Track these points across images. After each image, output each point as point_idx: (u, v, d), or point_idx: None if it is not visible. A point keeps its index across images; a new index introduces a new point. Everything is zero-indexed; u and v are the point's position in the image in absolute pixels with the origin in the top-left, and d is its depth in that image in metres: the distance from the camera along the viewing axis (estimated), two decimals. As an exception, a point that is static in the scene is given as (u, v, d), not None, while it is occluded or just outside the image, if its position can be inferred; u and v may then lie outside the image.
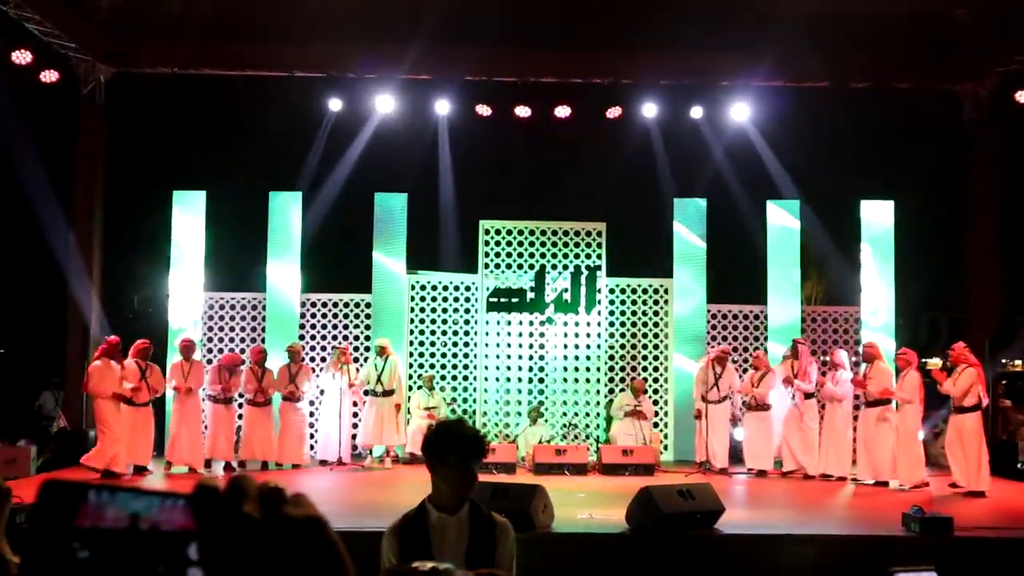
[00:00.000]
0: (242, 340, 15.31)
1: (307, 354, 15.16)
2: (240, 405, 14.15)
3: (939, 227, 18.21)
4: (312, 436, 14.59)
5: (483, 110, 16.15)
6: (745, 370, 14.54)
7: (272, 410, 13.81)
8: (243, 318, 15.54)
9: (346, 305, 15.69)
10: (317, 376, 14.50)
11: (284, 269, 15.24)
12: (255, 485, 0.89)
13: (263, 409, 13.69)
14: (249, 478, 0.88)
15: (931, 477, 12.25)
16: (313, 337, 15.55)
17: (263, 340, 14.96)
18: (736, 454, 14.08)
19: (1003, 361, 16.66)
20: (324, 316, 15.64)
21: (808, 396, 13.42)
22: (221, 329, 15.44)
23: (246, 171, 15.87)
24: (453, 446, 3.77)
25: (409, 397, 14.76)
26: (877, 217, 15.48)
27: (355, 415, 14.81)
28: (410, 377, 15.17)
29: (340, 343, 15.05)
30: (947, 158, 17.16)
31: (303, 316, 15.51)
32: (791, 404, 13.55)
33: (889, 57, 15.65)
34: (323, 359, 15.19)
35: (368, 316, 15.45)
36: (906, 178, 17.09)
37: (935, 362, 12.94)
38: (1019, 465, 14.18)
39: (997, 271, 16.13)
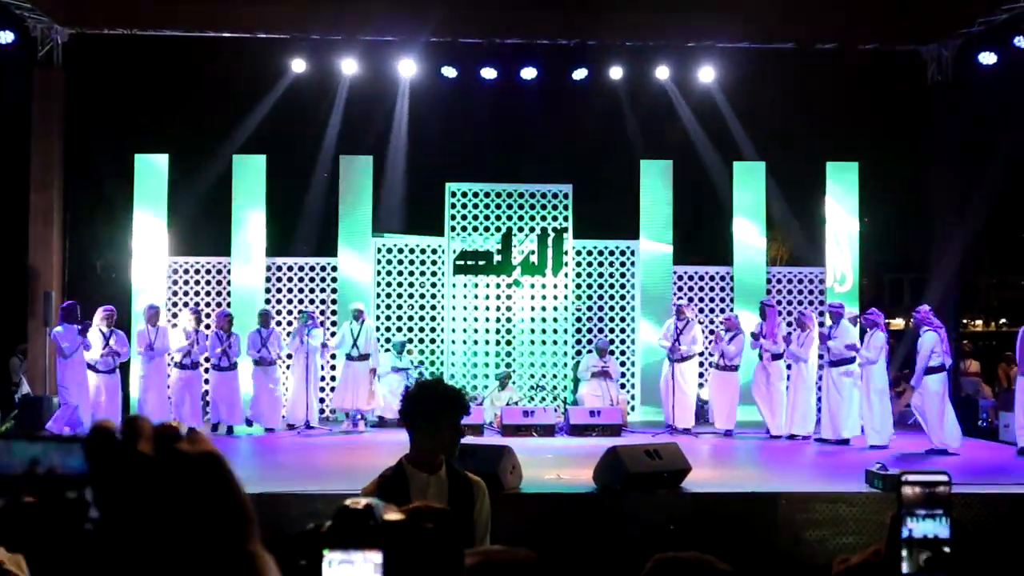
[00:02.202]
0: (207, 305, 15.19)
1: (273, 318, 15.08)
2: (206, 371, 14.06)
3: (901, 188, 18.34)
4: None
5: (449, 71, 16.03)
6: (712, 332, 14.61)
7: (238, 375, 13.74)
8: (208, 283, 15.41)
9: (312, 269, 15.60)
10: (285, 341, 14.42)
11: (249, 233, 15.10)
12: (150, 425, 0.89)
13: (229, 374, 13.62)
14: (143, 418, 0.88)
15: (898, 435, 12.41)
16: (279, 302, 15.45)
17: (228, 305, 14.85)
18: (703, 414, 14.18)
19: (964, 322, 16.83)
20: (290, 280, 15.54)
21: (776, 357, 13.52)
22: (186, 294, 15.29)
23: (209, 134, 15.69)
24: (439, 405, 3.78)
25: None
26: (842, 179, 15.54)
27: (323, 379, 14.76)
28: (377, 340, 15.12)
29: (307, 307, 14.96)
30: (911, 120, 17.26)
31: (269, 280, 15.40)
32: (758, 364, 13.63)
33: (854, 18, 15.64)
34: (289, 323, 15.11)
35: (335, 280, 15.36)
36: (871, 140, 17.18)
37: (897, 322, 13.04)
38: (980, 423, 14.41)
39: (959, 232, 16.25)
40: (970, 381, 16.27)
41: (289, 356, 14.29)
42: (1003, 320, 32.57)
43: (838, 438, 12.51)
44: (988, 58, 15.30)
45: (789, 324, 14.12)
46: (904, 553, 2.09)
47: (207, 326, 13.89)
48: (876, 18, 15.65)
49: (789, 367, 13.59)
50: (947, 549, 1.99)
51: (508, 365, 15.08)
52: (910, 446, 11.99)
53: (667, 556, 1.90)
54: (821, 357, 13.35)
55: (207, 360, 13.93)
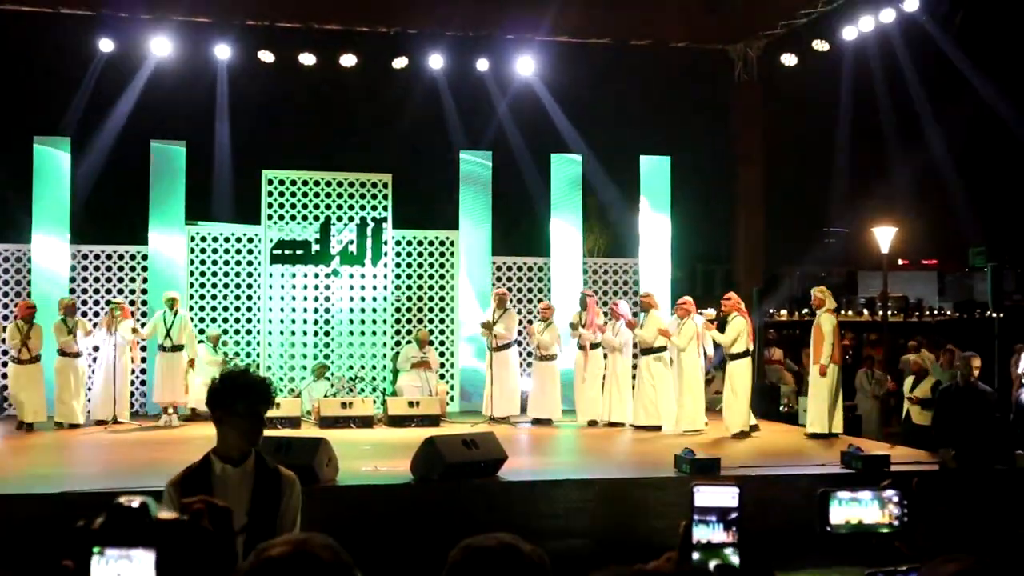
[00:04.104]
0: (4, 295, 14.40)
1: (78, 308, 14.44)
2: (4, 364, 13.34)
3: (712, 182, 19.04)
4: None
5: (266, 56, 15.66)
6: (531, 321, 14.80)
7: (41, 368, 13.08)
8: (6, 271, 14.62)
9: (120, 257, 15.00)
10: (92, 332, 13.81)
11: (51, 219, 14.38)
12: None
13: (31, 367, 12.95)
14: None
15: (709, 421, 12.86)
16: (85, 291, 14.80)
17: (28, 295, 14.13)
18: (523, 403, 14.36)
19: (770, 311, 17.61)
20: (97, 269, 14.91)
21: (594, 346, 13.81)
22: (-19, 284, 14.46)
23: (6, 115, 14.86)
24: (240, 394, 3.72)
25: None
26: (655, 172, 16.00)
27: (133, 372, 14.22)
28: (204, 333, 14.67)
29: (115, 298, 14.38)
30: (719, 117, 17.93)
31: (74, 269, 14.73)
32: (578, 354, 13.89)
33: (665, 17, 16.12)
34: (96, 314, 14.49)
35: (145, 269, 14.81)
36: (682, 134, 17.75)
37: (709, 312, 13.51)
38: (781, 408, 15.13)
39: (762, 225, 17.02)
40: (773, 368, 17.04)
41: (96, 348, 13.69)
42: (805, 310, 34.27)
43: (652, 424, 12.87)
44: (790, 59, 16.03)
45: (606, 315, 14.45)
46: (695, 558, 2.18)
47: (5, 316, 13.18)
48: (686, 17, 16.19)
49: (606, 356, 13.92)
50: (735, 559, 2.09)
51: (327, 356, 14.89)
52: (722, 431, 12.43)
53: (475, 542, 1.92)
54: (635, 346, 13.70)
55: (5, 353, 13.21)
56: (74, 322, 13.28)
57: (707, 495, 2.20)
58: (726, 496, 2.19)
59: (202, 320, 14.90)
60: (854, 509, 2.57)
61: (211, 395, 3.79)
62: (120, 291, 14.82)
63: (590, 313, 13.84)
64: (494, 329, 13.78)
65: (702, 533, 2.18)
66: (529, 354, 14.62)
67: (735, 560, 2.19)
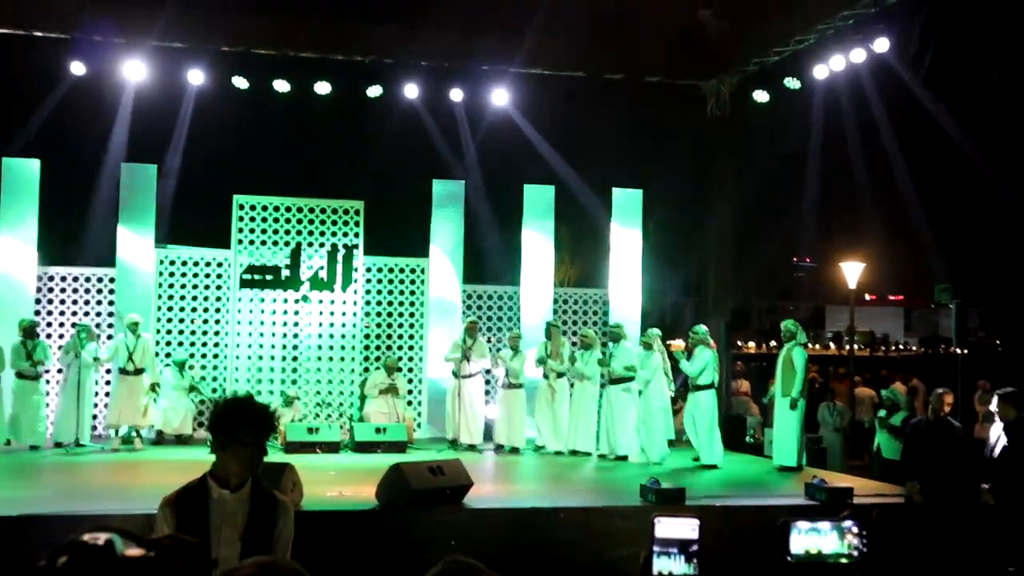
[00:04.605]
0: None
1: (43, 330, 14.33)
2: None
3: (683, 216, 19.17)
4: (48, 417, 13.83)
5: (240, 82, 15.65)
6: (499, 349, 14.82)
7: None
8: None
9: (87, 280, 14.90)
10: (55, 354, 13.68)
11: (17, 240, 14.28)
12: None
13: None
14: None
15: (672, 451, 12.90)
16: (50, 313, 14.68)
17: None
18: (489, 431, 14.34)
19: (738, 344, 17.68)
20: (63, 291, 14.79)
21: (560, 376, 13.84)
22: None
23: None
24: (245, 422, 3.71)
25: (161, 372, 14.16)
26: (627, 204, 16.10)
27: (96, 394, 14.10)
28: (157, 355, 14.57)
29: (81, 320, 14.26)
30: (692, 151, 18.09)
31: (40, 291, 14.61)
32: (544, 383, 13.91)
33: (639, 51, 16.28)
34: (60, 336, 14.36)
35: (112, 292, 14.71)
36: (655, 168, 17.88)
37: (679, 344, 13.60)
38: (747, 439, 15.20)
39: (731, 260, 17.13)
40: (740, 400, 17.12)
41: (59, 371, 13.56)
42: (773, 343, 34.59)
43: (617, 454, 12.89)
44: (762, 96, 16.21)
45: (573, 344, 14.49)
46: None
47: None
48: (660, 53, 16.35)
49: (572, 385, 13.94)
50: None
51: (294, 382, 14.83)
52: (687, 461, 12.47)
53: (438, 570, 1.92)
54: (602, 376, 13.73)
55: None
56: (33, 344, 13.14)
57: (668, 526, 2.23)
58: (686, 528, 2.22)
59: (168, 344, 14.80)
60: (813, 539, 2.59)
61: (215, 421, 3.77)
62: (87, 313, 14.71)
63: (555, 343, 13.90)
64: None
65: (663, 565, 2.21)
66: (488, 382, 14.66)
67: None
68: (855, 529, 2.63)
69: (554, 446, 13.69)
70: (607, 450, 13.04)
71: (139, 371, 13.42)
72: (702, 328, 13.03)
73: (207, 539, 3.59)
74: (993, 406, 9.48)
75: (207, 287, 15.07)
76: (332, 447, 12.98)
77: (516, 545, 8.36)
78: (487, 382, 14.87)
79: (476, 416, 14.00)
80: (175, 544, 1.71)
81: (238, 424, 3.71)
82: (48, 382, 13.82)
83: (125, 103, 15.83)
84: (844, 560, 2.65)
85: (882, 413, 13.16)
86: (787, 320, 12.75)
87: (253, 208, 14.93)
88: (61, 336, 14.38)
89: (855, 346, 20.33)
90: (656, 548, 1.94)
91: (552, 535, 8.57)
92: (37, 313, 14.35)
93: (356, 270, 15.11)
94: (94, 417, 13.91)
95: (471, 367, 13.92)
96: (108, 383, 14.27)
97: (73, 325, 14.00)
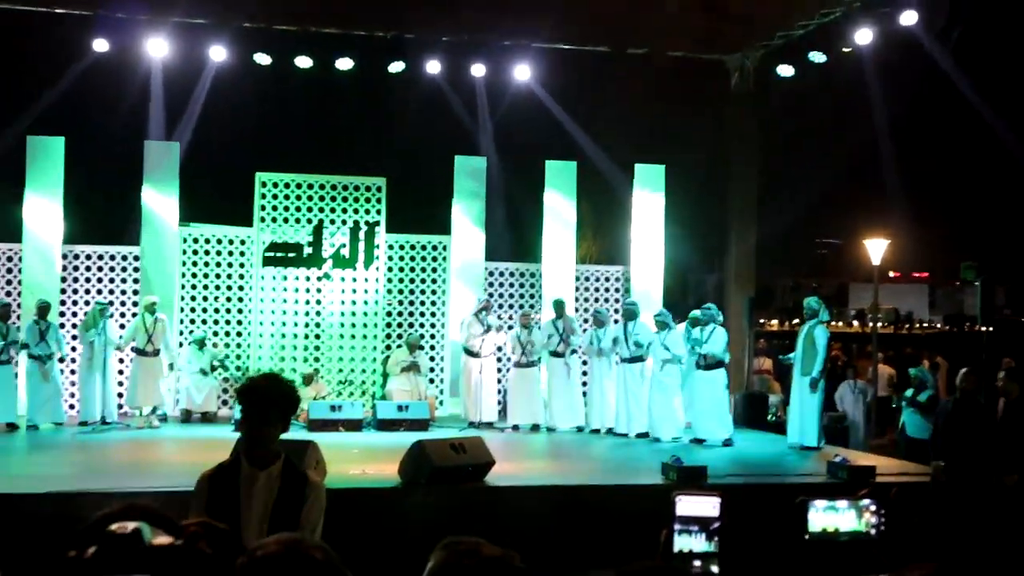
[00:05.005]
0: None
1: (70, 308, 14.45)
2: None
3: (706, 192, 19.06)
4: (73, 396, 13.97)
5: (262, 59, 15.65)
6: (509, 327, 14.80)
7: (12, 369, 13.01)
8: (-6, 270, 14.61)
9: (112, 258, 14.99)
10: (74, 334, 13.75)
11: (44, 219, 14.36)
12: None
13: (4, 368, 12.88)
14: None
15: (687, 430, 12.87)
16: (76, 291, 14.78)
17: (19, 294, 14.11)
18: (503, 410, 14.34)
19: (761, 321, 17.60)
20: (88, 269, 14.89)
21: (572, 352, 13.85)
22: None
23: (2, 112, 14.83)
24: (270, 398, 3.79)
25: (178, 352, 14.26)
26: (649, 180, 16.02)
27: (121, 372, 14.22)
28: (181, 333, 14.67)
29: (103, 298, 14.35)
30: (716, 126, 17.96)
31: (65, 269, 14.71)
32: (560, 361, 13.87)
33: (663, 25, 16.14)
34: (86, 314, 14.47)
35: (136, 270, 14.79)
36: (678, 144, 17.77)
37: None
38: (769, 417, 15.14)
39: (755, 235, 17.03)
40: (762, 378, 17.06)
41: (74, 349, 13.63)
42: (795, 320, 34.45)
43: (635, 432, 12.88)
44: (786, 70, 16.06)
45: (586, 320, 14.47)
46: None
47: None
48: (684, 27, 16.20)
49: (585, 363, 13.92)
50: (715, 569, 2.11)
51: (317, 359, 14.89)
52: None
53: (454, 544, 1.92)
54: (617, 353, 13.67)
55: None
56: (47, 324, 13.18)
57: (689, 504, 2.22)
58: (708, 506, 2.21)
59: (193, 323, 14.89)
60: (831, 517, 2.59)
61: (243, 399, 3.86)
62: (111, 291, 14.81)
63: (565, 321, 13.88)
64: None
65: (684, 542, 2.20)
66: (499, 360, 14.66)
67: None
68: (873, 507, 2.63)
69: (570, 424, 13.68)
70: (626, 428, 13.03)
71: (157, 352, 13.51)
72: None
73: (236, 515, 3.64)
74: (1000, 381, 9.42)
75: (230, 265, 15.13)
76: (355, 425, 13.03)
77: (539, 523, 8.37)
78: (498, 360, 14.82)
79: (491, 395, 14.02)
80: (204, 531, 1.72)
81: (267, 402, 3.78)
82: (64, 360, 13.84)
83: (148, 80, 15.85)
84: (862, 538, 2.65)
85: (908, 393, 13.07)
86: (810, 297, 12.66)
87: (276, 185, 14.96)
88: (85, 314, 14.49)
89: (879, 324, 20.21)
90: (678, 526, 1.95)
91: (574, 513, 8.58)
92: (63, 291, 14.46)
93: (378, 247, 15.12)
94: (119, 396, 14.00)
95: (487, 346, 13.94)
96: (122, 360, 14.35)
97: (95, 303, 14.06)
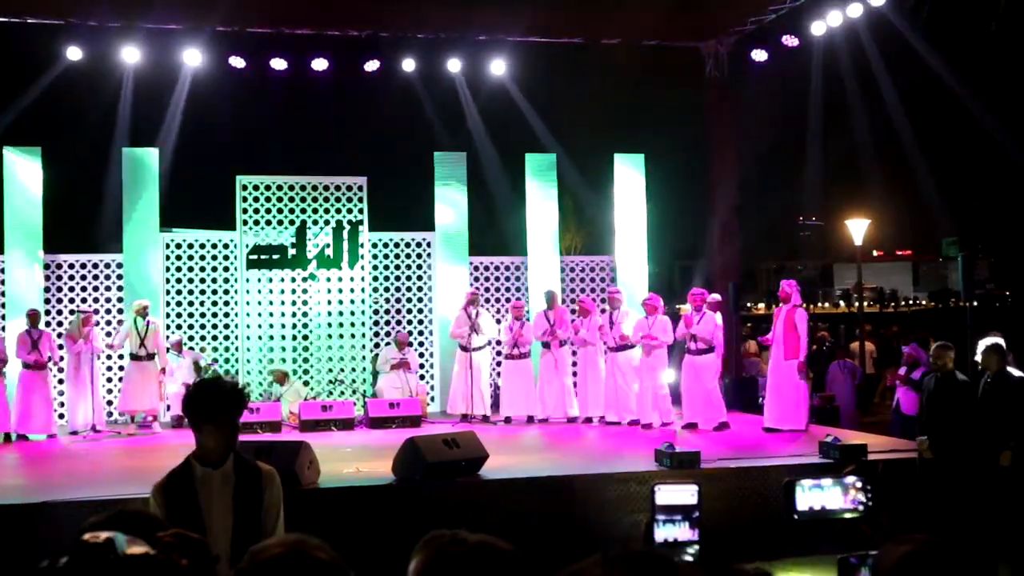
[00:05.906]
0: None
1: (55, 318, 14.41)
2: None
3: (687, 180, 19.13)
4: (63, 405, 13.93)
5: (237, 62, 15.62)
6: (498, 321, 14.84)
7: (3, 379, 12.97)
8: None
9: (95, 266, 14.95)
10: (60, 343, 13.70)
11: (23, 230, 14.30)
12: None
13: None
14: None
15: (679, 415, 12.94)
16: (60, 300, 14.73)
17: (2, 305, 14.07)
18: (496, 403, 14.37)
19: (747, 305, 17.66)
20: (72, 279, 14.84)
21: (562, 344, 13.88)
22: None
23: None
24: (214, 402, 3.83)
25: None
26: (630, 170, 16.07)
27: (109, 380, 14.19)
28: (167, 339, 14.64)
29: (85, 307, 14.30)
30: (693, 113, 18.04)
31: (48, 279, 14.66)
32: (549, 352, 13.91)
33: (636, 16, 16.19)
34: (71, 323, 14.42)
35: (120, 277, 14.76)
36: (656, 133, 17.82)
37: (686, 307, 13.58)
38: (760, 400, 15.21)
39: (737, 220, 17.12)
40: (752, 362, 17.14)
41: (61, 359, 13.60)
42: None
43: (626, 420, 12.94)
44: (760, 55, 16.13)
45: (573, 312, 14.51)
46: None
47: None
48: (657, 16, 16.26)
49: (574, 353, 13.96)
50: (693, 554, 2.14)
51: (306, 360, 14.89)
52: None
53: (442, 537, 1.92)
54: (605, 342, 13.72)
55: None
56: (39, 333, 13.16)
57: (668, 494, 2.25)
58: (686, 494, 2.24)
59: (179, 327, 14.87)
60: (817, 495, 2.63)
61: (188, 403, 3.90)
62: (96, 299, 14.77)
63: (557, 311, 13.90)
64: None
65: (667, 532, 2.23)
66: (499, 352, 14.67)
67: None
68: (859, 484, 2.67)
69: (562, 414, 13.73)
70: (617, 416, 13.09)
71: (150, 356, 13.49)
72: None
73: (199, 519, 3.68)
74: (978, 356, 9.47)
75: (214, 269, 15.11)
76: (347, 424, 13.05)
77: (534, 514, 8.41)
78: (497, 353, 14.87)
79: (485, 388, 14.06)
80: (178, 541, 1.73)
81: (207, 404, 3.84)
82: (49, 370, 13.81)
83: (123, 87, 15.80)
84: (849, 515, 2.68)
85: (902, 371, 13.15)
86: (786, 280, 12.89)
87: (256, 188, 14.93)
88: (70, 323, 14.42)
89: (864, 303, 20.33)
90: (660, 516, 1.96)
91: (569, 503, 8.62)
92: (47, 301, 14.42)
93: (362, 246, 15.12)
94: (109, 403, 13.96)
95: (478, 339, 13.95)
96: (111, 368, 14.32)
97: (74, 312, 13.99)
